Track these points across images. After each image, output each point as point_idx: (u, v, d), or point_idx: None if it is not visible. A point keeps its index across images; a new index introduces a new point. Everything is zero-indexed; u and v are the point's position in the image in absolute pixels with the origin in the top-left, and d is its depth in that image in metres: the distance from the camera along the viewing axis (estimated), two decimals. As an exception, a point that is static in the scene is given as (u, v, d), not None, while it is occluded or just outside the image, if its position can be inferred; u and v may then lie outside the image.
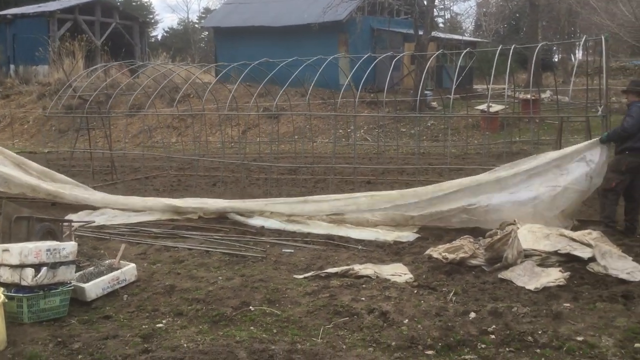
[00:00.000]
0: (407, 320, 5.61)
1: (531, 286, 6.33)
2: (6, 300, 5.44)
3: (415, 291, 6.42)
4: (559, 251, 7.10)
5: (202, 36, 61.30)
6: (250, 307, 6.06)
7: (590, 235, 7.44)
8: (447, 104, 22.73)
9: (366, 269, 7.06)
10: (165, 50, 42.89)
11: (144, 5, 61.51)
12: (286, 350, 4.96)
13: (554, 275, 6.49)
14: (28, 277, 5.72)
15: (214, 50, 34.14)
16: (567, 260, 7.04)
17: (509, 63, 11.59)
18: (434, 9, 29.68)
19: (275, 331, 5.54)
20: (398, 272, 7.02)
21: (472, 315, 5.66)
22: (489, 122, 17.76)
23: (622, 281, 6.45)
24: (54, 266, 5.85)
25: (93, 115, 16.77)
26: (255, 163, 15.52)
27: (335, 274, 7.01)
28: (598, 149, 8.54)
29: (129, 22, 37.62)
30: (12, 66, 34.07)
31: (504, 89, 20.93)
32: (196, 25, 62.61)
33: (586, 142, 8.84)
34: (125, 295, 6.50)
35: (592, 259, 6.92)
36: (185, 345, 5.15)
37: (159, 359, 4.83)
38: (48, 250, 5.87)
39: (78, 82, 20.39)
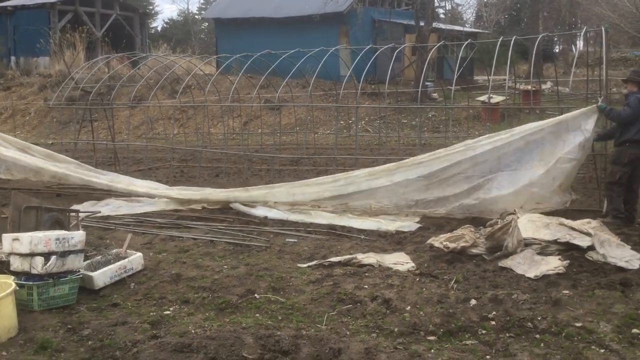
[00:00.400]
0: (409, 307, 5.73)
1: (531, 274, 6.45)
2: (17, 288, 5.56)
3: (417, 279, 6.54)
4: (558, 240, 7.20)
5: (203, 27, 61.21)
6: (256, 295, 6.18)
7: (590, 224, 7.55)
8: (448, 95, 22.83)
9: (369, 257, 7.18)
10: (166, 41, 42.89)
11: (144, -4, 61.37)
12: (292, 336, 5.07)
13: (554, 264, 6.61)
14: (38, 265, 5.84)
15: (214, 42, 34.15)
16: (567, 249, 7.15)
17: (509, 54, 11.66)
18: (435, 0, 29.69)
19: (280, 318, 5.66)
20: (400, 261, 7.14)
21: (473, 302, 5.78)
22: (489, 113, 17.84)
23: (621, 269, 6.58)
24: (63, 255, 5.97)
25: (96, 107, 16.85)
26: (258, 154, 15.62)
27: (339, 262, 7.13)
28: (594, 118, 8.62)
29: (129, 13, 37.61)
30: (13, 58, 34.10)
31: (505, 80, 21.07)
32: (196, 17, 62.51)
33: (583, 110, 8.87)
34: (133, 284, 6.62)
35: (591, 248, 7.04)
36: (193, 331, 5.27)
37: (167, 344, 4.94)
38: (57, 239, 5.98)
39: (79, 74, 20.46)
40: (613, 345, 4.85)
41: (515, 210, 8.22)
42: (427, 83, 23.74)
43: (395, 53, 13.40)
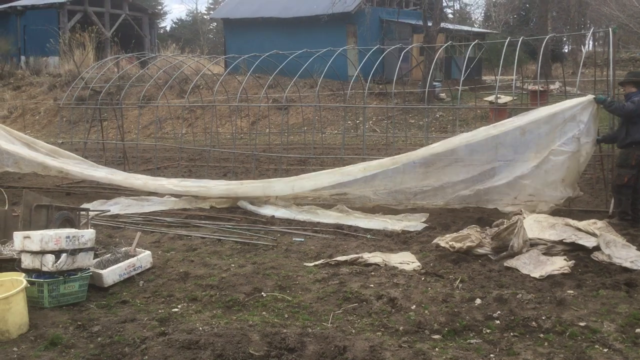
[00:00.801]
0: (414, 306, 5.78)
1: (536, 274, 6.49)
2: (28, 285, 5.65)
3: (423, 278, 6.59)
4: (564, 240, 7.24)
5: (211, 27, 61.41)
6: (263, 293, 6.25)
7: (596, 225, 7.58)
8: (456, 95, 22.84)
9: (375, 257, 7.24)
10: (175, 41, 43.07)
11: (153, -4, 61.65)
12: (298, 334, 5.14)
13: (559, 264, 6.65)
14: (48, 263, 5.93)
15: (223, 42, 34.27)
16: (572, 249, 7.19)
17: (516, 54, 11.68)
18: (443, 0, 29.67)
19: (286, 316, 5.73)
20: (406, 260, 7.19)
21: (478, 301, 5.83)
22: (497, 114, 17.85)
23: (626, 269, 6.59)
24: (73, 253, 6.06)
25: (105, 106, 16.98)
26: (265, 154, 15.70)
27: (345, 262, 7.19)
28: (589, 110, 8.62)
29: (138, 13, 37.84)
30: (22, 57, 34.36)
31: (511, 80, 21.04)
32: (205, 17, 62.71)
33: (579, 100, 8.81)
34: (141, 282, 6.71)
35: (597, 248, 7.07)
36: (200, 328, 5.34)
37: (175, 341, 5.02)
38: (68, 237, 6.07)
39: (89, 74, 20.60)
40: (616, 345, 4.88)
41: (521, 211, 8.26)
42: (434, 83, 23.75)
43: (402, 53, 13.42)
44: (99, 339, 5.24)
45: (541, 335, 5.14)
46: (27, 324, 5.49)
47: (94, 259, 6.65)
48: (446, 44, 14.32)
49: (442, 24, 26.39)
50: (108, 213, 9.62)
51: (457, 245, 7.41)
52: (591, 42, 42.02)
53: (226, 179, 13.38)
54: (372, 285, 6.37)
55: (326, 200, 9.91)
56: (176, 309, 5.92)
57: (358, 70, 14.18)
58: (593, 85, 13.34)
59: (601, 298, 5.83)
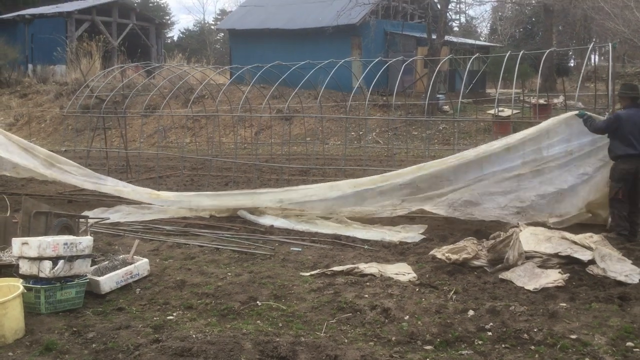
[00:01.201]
0: (407, 316, 5.81)
1: (530, 286, 6.51)
2: (25, 291, 5.72)
3: (417, 289, 6.62)
4: (559, 253, 7.26)
5: (218, 37, 61.77)
6: (258, 302, 6.29)
7: (592, 238, 7.61)
8: (458, 108, 22.90)
9: (371, 267, 7.27)
10: (181, 51, 43.35)
11: (161, 7, 62.15)
12: (290, 342, 5.17)
13: (553, 277, 6.67)
14: (46, 269, 5.99)
15: (229, 52, 34.49)
16: (568, 263, 7.20)
17: (516, 68, 11.76)
18: (449, 13, 29.81)
19: (280, 325, 5.77)
20: (402, 271, 7.22)
21: (471, 313, 5.85)
22: (499, 127, 17.90)
23: (620, 283, 6.61)
24: (70, 259, 6.12)
25: (109, 115, 17.10)
26: (267, 164, 15.77)
27: (341, 272, 7.22)
28: (576, 125, 8.79)
29: (145, 23, 38.12)
30: (30, 65, 34.64)
31: (517, 93, 21.10)
32: (212, 27, 63.09)
33: (563, 117, 9.02)
34: (138, 289, 6.77)
35: (592, 262, 7.08)
36: (194, 336, 5.39)
37: (168, 348, 5.07)
38: (65, 244, 6.14)
39: (95, 82, 20.77)
40: (606, 358, 4.90)
41: (518, 224, 8.29)
42: (438, 96, 23.84)
43: (403, 66, 13.52)
44: (94, 345, 5.29)
45: (532, 347, 5.16)
46: (23, 329, 5.54)
47: (92, 266, 6.71)
48: (447, 57, 14.40)
49: (447, 37, 26.50)
50: (108, 221, 9.69)
51: (453, 257, 7.43)
52: (596, 57, 42.18)
53: (227, 188, 13.47)
54: (366, 296, 6.41)
55: (315, 212, 10.03)
56: (171, 317, 5.97)
57: (359, 81, 14.26)
58: (594, 99, 13.39)
59: (593, 311, 5.84)
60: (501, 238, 7.37)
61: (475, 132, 21.64)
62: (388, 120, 20.34)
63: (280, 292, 6.57)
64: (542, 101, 20.83)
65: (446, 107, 24.58)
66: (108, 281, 6.62)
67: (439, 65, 14.59)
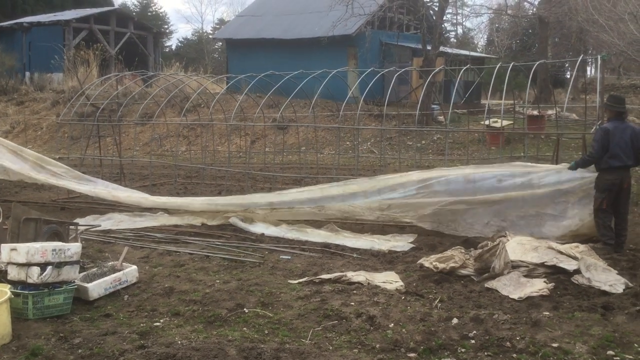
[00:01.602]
0: (392, 324, 5.86)
1: (515, 295, 6.57)
2: (12, 297, 5.75)
3: (403, 297, 6.67)
4: (545, 263, 7.32)
5: (216, 47, 61.96)
6: (245, 309, 6.34)
7: (578, 248, 7.67)
8: (453, 118, 23.00)
9: (358, 275, 7.32)
10: (179, 60, 43.50)
11: (159, 16, 62.40)
12: (274, 349, 5.22)
13: (538, 286, 6.73)
14: (34, 275, 6.03)
15: (226, 62, 34.62)
16: (554, 272, 7.26)
17: (506, 79, 11.86)
18: (445, 24, 29.97)
19: (266, 332, 5.81)
20: (389, 280, 7.27)
21: (455, 321, 5.90)
22: (491, 138, 18.00)
23: (604, 293, 6.67)
24: (59, 265, 6.17)
25: (104, 123, 17.16)
26: (261, 172, 15.82)
27: (329, 280, 7.27)
28: (564, 173, 8.96)
29: (143, 32, 38.27)
30: (27, 73, 34.73)
31: (510, 104, 21.21)
32: (210, 36, 63.30)
33: (554, 168, 9.27)
34: (126, 296, 6.81)
35: (578, 271, 7.14)
36: (179, 342, 5.43)
37: (153, 354, 5.11)
38: (54, 250, 6.18)
39: (91, 90, 20.84)
40: (587, 366, 4.96)
41: (505, 233, 8.35)
42: (433, 106, 23.95)
43: (395, 76, 13.62)
44: (79, 350, 5.33)
45: (514, 355, 5.21)
46: (10, 334, 5.58)
47: (80, 272, 6.76)
48: (438, 68, 14.52)
49: (442, 48, 26.65)
50: (99, 228, 9.73)
51: (441, 265, 7.49)
52: (592, 69, 42.32)
53: (220, 196, 13.50)
54: (353, 303, 6.45)
55: (305, 210, 10.18)
56: (158, 323, 6.01)
57: (351, 91, 14.36)
58: (585, 112, 13.48)
59: (576, 320, 5.90)
60: (488, 247, 7.44)
61: (470, 142, 21.74)
62: (379, 130, 20.41)
63: (268, 300, 6.62)
64: (535, 112, 20.96)
65: (441, 118, 24.69)
66: (96, 288, 6.66)
67: (430, 76, 14.67)
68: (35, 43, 34.47)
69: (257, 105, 20.16)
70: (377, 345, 5.44)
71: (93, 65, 30.71)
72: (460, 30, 46.10)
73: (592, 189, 8.65)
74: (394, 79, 13.46)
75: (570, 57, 38.94)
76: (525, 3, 37.36)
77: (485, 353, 5.28)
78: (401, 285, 7.09)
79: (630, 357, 5.14)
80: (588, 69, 42.50)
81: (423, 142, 22.28)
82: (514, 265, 7.30)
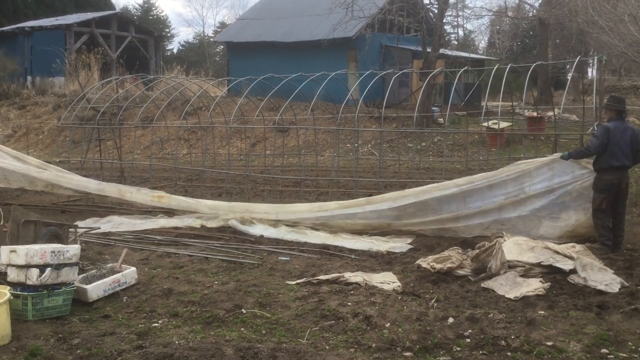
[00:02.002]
0: (388, 324, 5.91)
1: (511, 295, 6.61)
2: (12, 298, 5.81)
3: (400, 297, 6.72)
4: (542, 263, 7.36)
5: (218, 50, 62.09)
6: (243, 310, 6.38)
7: (574, 248, 7.71)
8: (454, 120, 23.04)
9: (356, 276, 7.37)
10: (180, 63, 43.63)
11: (160, 19, 62.59)
12: (271, 349, 5.27)
13: (534, 285, 6.76)
14: (33, 276, 6.09)
15: (227, 65, 34.72)
16: (550, 272, 7.30)
17: (503, 81, 11.91)
18: (446, 27, 30.02)
19: (264, 332, 5.86)
20: (387, 280, 7.31)
21: (451, 320, 5.95)
22: (490, 139, 18.04)
23: (600, 292, 6.70)
24: (58, 267, 6.22)
25: (104, 126, 17.24)
26: (261, 175, 15.88)
27: (326, 280, 7.32)
28: (558, 164, 8.99)
29: (144, 36, 38.42)
30: (29, 77, 34.88)
31: (511, 105, 21.24)
32: (211, 39, 63.41)
33: (547, 160, 9.24)
34: (125, 297, 6.86)
35: (574, 271, 7.18)
36: (177, 342, 5.48)
37: (151, 354, 5.16)
38: (53, 252, 6.24)
39: (92, 94, 20.93)
40: (580, 364, 5.00)
41: (502, 234, 8.39)
42: (433, 108, 23.99)
43: (393, 78, 13.68)
44: (78, 351, 5.38)
45: (509, 353, 5.25)
46: (10, 335, 5.63)
47: (80, 274, 6.81)
48: (436, 70, 14.58)
49: (442, 50, 26.69)
50: (99, 230, 9.79)
51: (438, 266, 7.53)
52: (594, 70, 42.29)
53: (220, 199, 13.55)
54: (350, 304, 6.50)
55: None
56: (156, 324, 6.06)
57: (350, 93, 14.42)
58: (582, 112, 13.52)
59: (571, 319, 5.94)
60: (484, 248, 7.48)
61: (471, 144, 21.78)
62: (378, 132, 20.48)
63: (266, 300, 6.66)
64: (535, 114, 21.00)
65: (441, 120, 24.73)
66: (95, 289, 6.71)
67: (429, 77, 14.72)
68: (37, 47, 34.62)
69: (258, 108, 20.25)
70: (373, 345, 5.48)
71: (94, 69, 30.84)
72: (461, 33, 46.13)
73: (586, 189, 8.70)
74: (393, 81, 13.53)
75: (570, 58, 38.98)
76: (526, 5, 37.46)
77: (480, 352, 5.31)
78: (398, 286, 7.13)
79: (624, 355, 5.18)
80: (589, 70, 42.59)
81: (423, 144, 22.31)
82: (511, 265, 7.34)
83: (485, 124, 17.26)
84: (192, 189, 15.34)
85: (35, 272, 6.09)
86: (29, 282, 6.09)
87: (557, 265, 7.27)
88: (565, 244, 7.94)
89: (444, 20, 29.32)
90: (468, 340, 5.52)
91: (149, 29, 40.65)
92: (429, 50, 24.30)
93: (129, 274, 7.15)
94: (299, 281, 7.37)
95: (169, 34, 63.10)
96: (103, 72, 32.14)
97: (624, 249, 8.54)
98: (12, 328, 5.70)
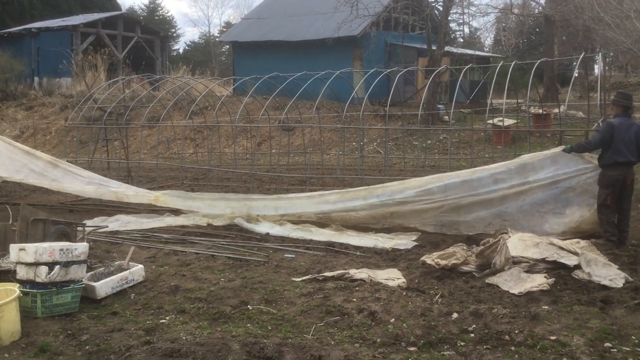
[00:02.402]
0: (393, 319, 5.96)
1: (515, 290, 6.65)
2: (21, 295, 5.89)
3: (404, 293, 6.77)
4: (546, 259, 7.40)
5: (223, 50, 62.21)
6: (249, 306, 6.45)
7: (579, 244, 7.75)
8: (459, 118, 23.06)
9: (361, 273, 7.42)
10: (186, 63, 43.76)
11: (166, 19, 62.71)
12: (277, 344, 5.33)
13: (538, 281, 6.80)
14: (42, 274, 6.17)
15: (232, 64, 34.84)
16: (554, 268, 7.34)
17: (507, 79, 11.95)
18: (451, 24, 30.01)
19: (269, 328, 5.93)
20: (392, 277, 7.37)
21: (455, 315, 6.00)
22: (495, 136, 18.06)
23: (604, 287, 6.74)
24: (66, 265, 6.30)
25: (111, 126, 17.35)
26: (266, 173, 15.96)
27: (332, 277, 7.38)
28: (561, 158, 9.04)
29: (150, 36, 38.55)
30: (36, 78, 35.06)
31: (516, 103, 21.25)
32: (217, 39, 63.53)
33: (550, 152, 9.30)
34: (133, 294, 6.94)
35: (578, 267, 7.21)
36: (184, 338, 5.55)
37: (158, 349, 5.23)
38: (61, 249, 6.32)
39: (99, 94, 21.06)
40: (583, 358, 5.03)
41: (507, 230, 8.43)
42: (438, 106, 24.01)
43: (397, 76, 13.72)
44: (87, 347, 5.46)
45: (512, 348, 5.30)
46: (19, 332, 5.72)
47: (88, 272, 6.89)
48: (440, 68, 14.62)
49: (447, 48, 26.70)
50: (106, 229, 9.88)
51: (443, 262, 7.58)
52: (600, 66, 42.21)
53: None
54: (354, 300, 6.56)
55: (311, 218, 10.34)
56: (164, 320, 6.13)
57: (354, 91, 14.48)
58: (587, 109, 13.54)
59: (574, 313, 5.98)
60: (489, 244, 7.53)
61: (476, 142, 21.80)
62: (384, 130, 20.52)
63: (271, 297, 6.73)
64: (541, 111, 20.99)
65: (446, 117, 24.74)
66: (103, 286, 6.79)
67: (433, 75, 14.76)
68: (43, 48, 34.79)
69: (263, 107, 20.33)
70: (378, 340, 5.53)
71: (101, 70, 30.99)
72: (466, 30, 46.09)
73: (590, 185, 8.72)
74: (398, 79, 13.57)
75: (576, 55, 38.86)
76: (531, 2, 37.38)
77: (484, 346, 5.36)
78: (403, 282, 7.18)
79: (628, 349, 5.21)
80: (595, 67, 42.44)
81: (429, 141, 22.34)
82: (515, 261, 7.38)
83: (490, 121, 17.28)
84: (198, 188, 15.42)
85: (44, 269, 6.17)
86: (38, 280, 6.17)
87: (562, 261, 7.31)
88: (570, 239, 7.96)
89: (449, 18, 29.40)
90: (472, 335, 5.57)
91: (155, 29, 40.78)
92: (434, 48, 24.31)
93: (136, 271, 7.23)
94: (304, 278, 7.44)
95: (174, 34, 63.26)
96: (109, 73, 32.27)
97: (628, 245, 8.56)
98: (22, 325, 5.78)
